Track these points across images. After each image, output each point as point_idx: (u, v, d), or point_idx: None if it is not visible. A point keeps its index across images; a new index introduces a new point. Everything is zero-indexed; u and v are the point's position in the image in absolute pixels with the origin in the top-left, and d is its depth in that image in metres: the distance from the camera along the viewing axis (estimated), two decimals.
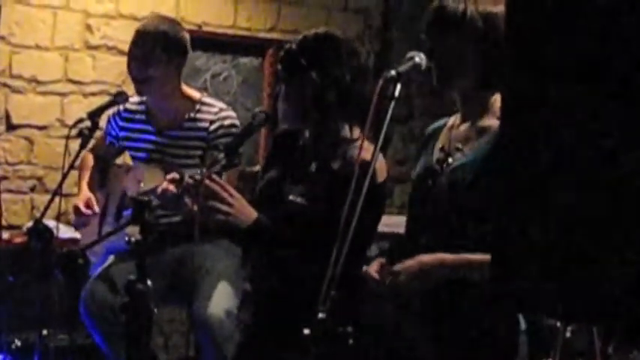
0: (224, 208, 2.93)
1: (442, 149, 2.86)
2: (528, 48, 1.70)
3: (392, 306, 2.85)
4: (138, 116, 4.40)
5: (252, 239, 3.02)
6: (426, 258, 2.68)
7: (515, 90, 1.74)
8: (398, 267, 2.69)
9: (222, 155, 3.00)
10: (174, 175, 3.60)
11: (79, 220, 4.42)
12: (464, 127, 2.84)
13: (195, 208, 2.96)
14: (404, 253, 2.77)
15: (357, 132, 3.13)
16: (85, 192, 4.42)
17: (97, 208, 4.35)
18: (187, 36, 4.30)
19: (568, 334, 3.85)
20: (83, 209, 4.33)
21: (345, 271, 2.28)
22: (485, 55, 2.72)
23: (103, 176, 4.50)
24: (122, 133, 4.43)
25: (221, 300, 4.02)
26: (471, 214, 2.67)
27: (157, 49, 4.16)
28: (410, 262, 2.68)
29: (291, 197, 3.07)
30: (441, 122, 3.00)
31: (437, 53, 2.75)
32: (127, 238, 2.81)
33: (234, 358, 3.37)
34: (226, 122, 4.22)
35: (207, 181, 2.89)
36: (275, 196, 3.10)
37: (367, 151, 2.61)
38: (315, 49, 3.08)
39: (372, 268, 2.80)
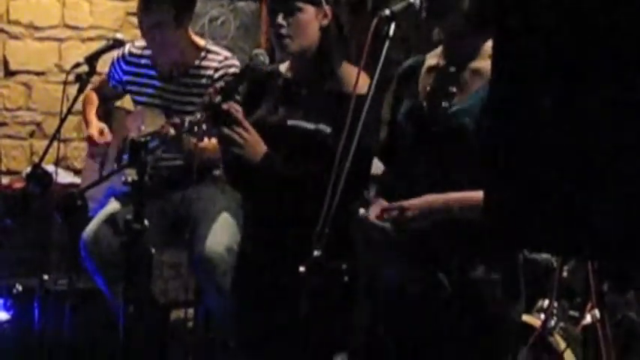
0: (238, 139, 2.97)
1: (431, 93, 2.81)
2: None
3: (382, 248, 2.84)
4: (143, 61, 4.37)
5: (263, 173, 3.03)
6: (433, 197, 2.67)
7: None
8: (405, 204, 2.67)
9: (218, 97, 3.00)
10: (176, 119, 3.61)
11: (94, 150, 4.43)
12: (453, 69, 2.78)
13: (200, 144, 2.99)
14: (399, 195, 2.76)
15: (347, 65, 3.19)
16: (96, 122, 4.42)
17: (110, 137, 4.37)
18: None
19: (565, 274, 3.87)
20: (97, 139, 4.35)
21: (342, 206, 2.29)
22: None
23: (105, 119, 4.49)
24: (126, 77, 4.41)
25: (220, 237, 4.03)
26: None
27: (171, 14, 4.10)
28: (417, 201, 2.66)
29: (289, 122, 3.09)
30: (413, 61, 2.96)
31: None
32: (124, 178, 2.83)
33: (233, 284, 3.42)
34: (230, 70, 4.20)
35: (228, 109, 2.97)
36: (272, 128, 3.11)
37: (364, 81, 2.65)
38: None
39: (373, 212, 2.77)
